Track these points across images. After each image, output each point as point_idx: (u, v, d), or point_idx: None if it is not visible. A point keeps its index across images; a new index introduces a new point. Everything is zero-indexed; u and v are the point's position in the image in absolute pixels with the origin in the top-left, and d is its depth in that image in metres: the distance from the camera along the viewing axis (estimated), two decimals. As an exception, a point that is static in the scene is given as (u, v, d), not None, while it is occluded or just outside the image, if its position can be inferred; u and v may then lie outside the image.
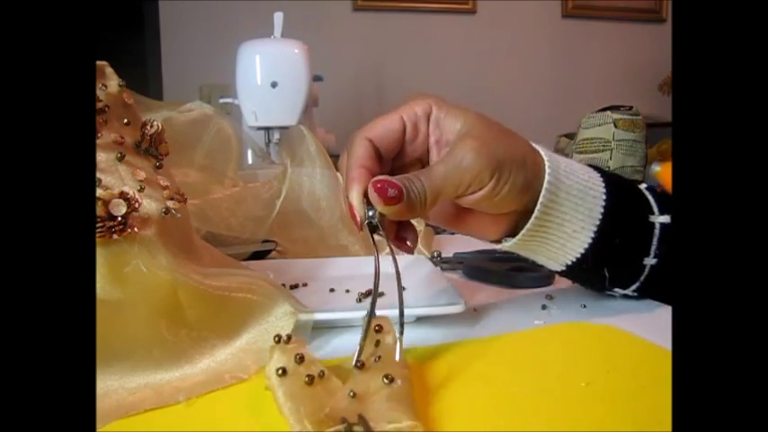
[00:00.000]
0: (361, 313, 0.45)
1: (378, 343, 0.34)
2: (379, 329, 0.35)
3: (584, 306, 0.48)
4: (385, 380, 0.29)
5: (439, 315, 0.44)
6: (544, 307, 0.48)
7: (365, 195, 0.37)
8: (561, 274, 0.46)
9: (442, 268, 0.55)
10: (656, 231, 0.43)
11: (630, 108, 1.09)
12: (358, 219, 0.37)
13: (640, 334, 0.40)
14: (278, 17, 0.95)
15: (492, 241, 0.44)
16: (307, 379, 0.30)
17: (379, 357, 0.32)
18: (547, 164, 0.40)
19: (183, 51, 2.06)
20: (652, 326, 0.42)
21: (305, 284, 0.54)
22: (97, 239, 0.33)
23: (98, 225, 0.33)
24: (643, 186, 0.46)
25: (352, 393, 0.28)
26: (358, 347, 0.33)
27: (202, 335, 0.36)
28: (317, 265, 0.58)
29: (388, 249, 0.69)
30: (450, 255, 0.65)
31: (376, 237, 0.39)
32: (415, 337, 0.40)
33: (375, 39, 2.30)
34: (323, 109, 1.18)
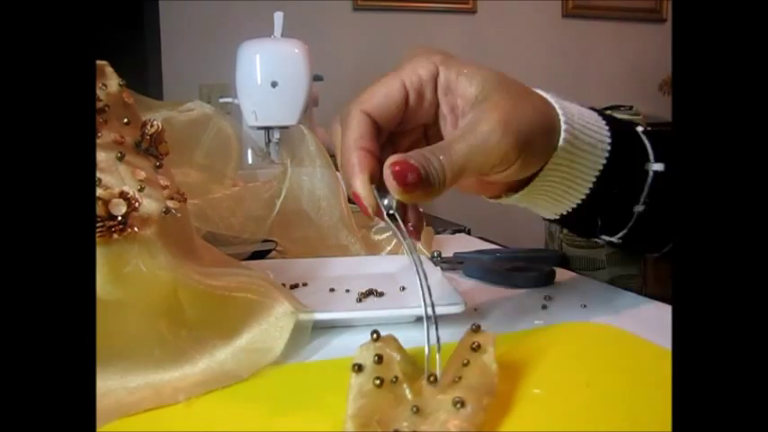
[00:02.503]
0: (361, 313, 0.46)
1: (467, 362, 0.31)
2: (477, 348, 0.32)
3: (585, 306, 0.48)
4: (457, 404, 0.27)
5: (439, 315, 0.44)
6: (544, 307, 0.48)
7: (372, 181, 0.33)
8: (552, 221, 0.44)
9: (442, 268, 0.55)
10: (649, 179, 0.42)
11: (631, 108, 1.09)
12: (369, 209, 0.33)
13: (640, 334, 0.40)
14: (278, 17, 0.95)
15: (491, 197, 0.42)
16: (377, 381, 0.29)
17: (460, 378, 0.30)
18: (563, 121, 0.37)
19: (182, 51, 2.06)
20: (652, 326, 0.42)
21: (305, 284, 0.54)
22: (97, 239, 0.33)
23: (98, 225, 0.33)
24: (640, 129, 0.44)
25: (415, 408, 0.27)
26: (426, 357, 0.31)
27: (202, 335, 0.36)
28: (316, 265, 0.58)
29: (388, 249, 0.69)
30: (450, 255, 0.65)
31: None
32: (415, 337, 0.40)
33: (375, 38, 2.30)
34: (323, 109, 1.18)
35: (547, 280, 0.55)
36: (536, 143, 0.35)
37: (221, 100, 1.02)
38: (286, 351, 0.37)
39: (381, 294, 0.51)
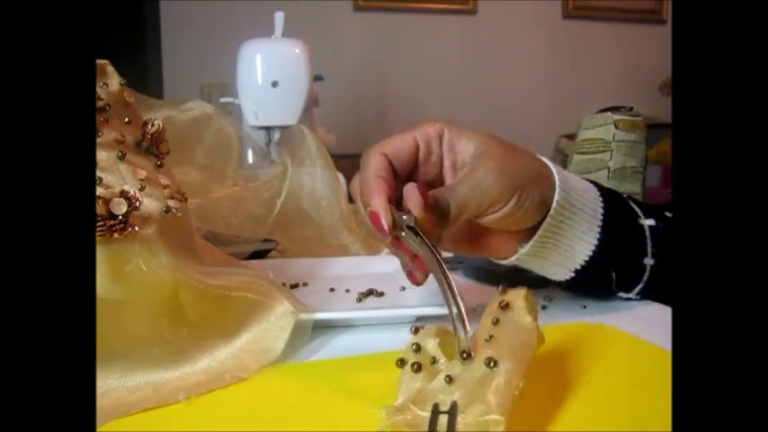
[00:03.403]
0: (361, 313, 0.46)
1: (497, 321, 0.31)
2: (505, 307, 0.32)
3: (584, 306, 0.48)
4: (490, 363, 0.27)
5: (439, 315, 0.44)
6: (544, 307, 0.48)
7: (390, 202, 0.37)
8: (570, 283, 0.46)
9: (442, 268, 0.55)
10: (647, 234, 0.46)
11: (631, 109, 1.09)
12: (385, 225, 0.36)
13: (640, 334, 0.40)
14: (278, 17, 0.95)
15: (504, 258, 0.45)
16: (415, 366, 0.29)
17: (491, 337, 0.30)
18: (556, 176, 0.42)
19: (183, 51, 2.06)
20: (652, 326, 0.42)
21: (305, 284, 0.54)
22: (98, 238, 0.33)
23: (99, 224, 0.33)
24: (624, 195, 0.48)
25: (447, 378, 0.27)
26: (457, 340, 0.30)
27: (203, 334, 0.36)
28: (316, 265, 0.58)
29: (387, 250, 0.69)
30: (450, 255, 0.65)
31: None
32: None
33: (375, 39, 2.30)
34: (323, 108, 1.18)
35: (547, 280, 0.55)
36: (529, 185, 0.40)
37: (222, 99, 1.02)
38: (286, 351, 0.37)
39: (381, 294, 0.51)
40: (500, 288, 0.34)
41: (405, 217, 0.36)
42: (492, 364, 0.27)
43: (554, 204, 0.41)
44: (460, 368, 0.28)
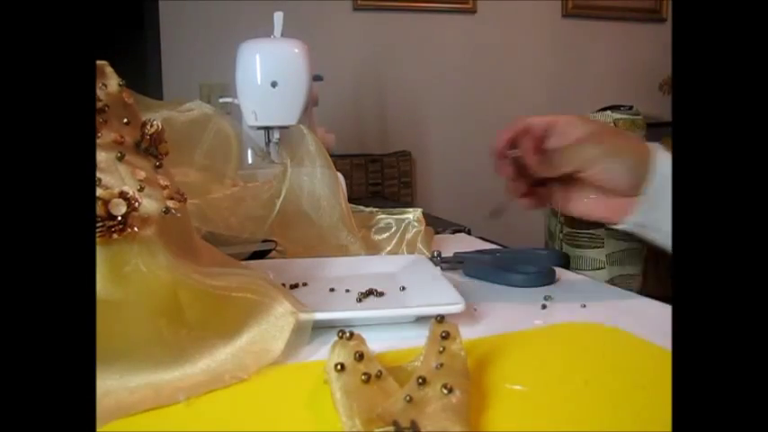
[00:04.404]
0: (361, 313, 0.46)
1: (443, 350, 0.33)
2: (446, 336, 0.34)
3: (584, 306, 0.48)
4: (444, 390, 0.28)
5: (438, 315, 0.44)
6: (544, 307, 0.48)
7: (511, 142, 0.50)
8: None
9: (442, 268, 0.55)
10: None
11: (631, 108, 1.09)
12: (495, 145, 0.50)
13: (640, 334, 0.40)
14: (278, 17, 0.95)
15: (614, 222, 0.51)
16: (364, 377, 0.30)
17: (441, 365, 0.31)
18: (650, 147, 0.48)
19: (183, 51, 2.06)
20: (652, 326, 0.42)
21: (305, 284, 0.54)
22: (97, 239, 0.33)
23: (98, 225, 0.33)
24: None
25: (408, 398, 0.28)
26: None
27: (202, 334, 0.36)
28: (316, 265, 0.58)
29: (388, 249, 0.69)
30: (451, 255, 0.65)
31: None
32: (415, 336, 0.40)
33: (375, 38, 2.30)
34: (323, 108, 1.18)
35: (547, 279, 0.55)
36: (617, 151, 0.48)
37: (221, 100, 1.02)
38: (286, 351, 0.37)
39: (381, 294, 0.51)
40: (437, 317, 0.35)
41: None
42: (447, 391, 0.28)
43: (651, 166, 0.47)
44: (417, 390, 0.29)
